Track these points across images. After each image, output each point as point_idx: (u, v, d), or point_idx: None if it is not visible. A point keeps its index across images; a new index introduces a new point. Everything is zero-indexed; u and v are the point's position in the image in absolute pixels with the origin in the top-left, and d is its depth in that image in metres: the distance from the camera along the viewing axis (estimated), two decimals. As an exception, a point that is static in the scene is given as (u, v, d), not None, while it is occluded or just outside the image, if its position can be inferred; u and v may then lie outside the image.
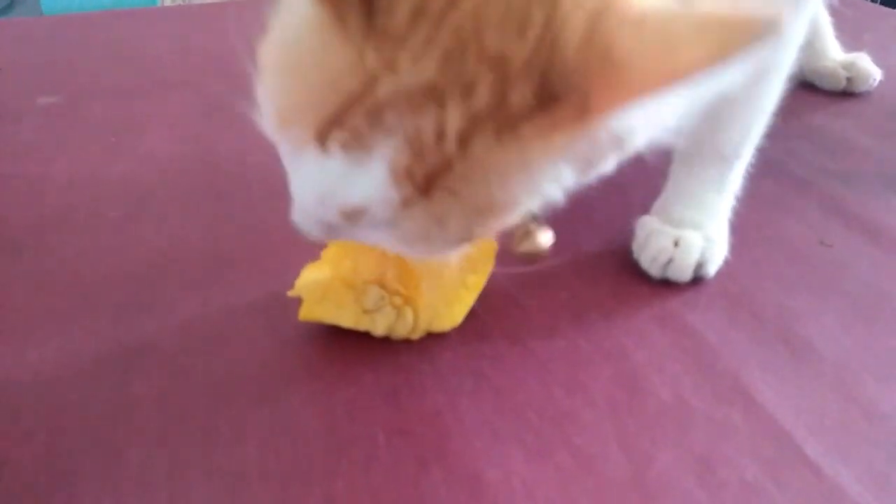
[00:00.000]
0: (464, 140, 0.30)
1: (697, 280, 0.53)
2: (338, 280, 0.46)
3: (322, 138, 0.31)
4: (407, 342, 0.47)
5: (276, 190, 0.39)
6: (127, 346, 0.47)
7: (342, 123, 0.31)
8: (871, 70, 0.84)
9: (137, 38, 1.04)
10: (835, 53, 0.85)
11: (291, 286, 0.47)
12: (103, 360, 0.45)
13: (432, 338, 0.47)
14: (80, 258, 0.55)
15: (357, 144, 0.31)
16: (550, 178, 0.33)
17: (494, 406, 0.42)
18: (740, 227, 0.55)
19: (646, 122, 0.32)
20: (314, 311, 0.46)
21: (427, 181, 0.32)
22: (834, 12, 0.85)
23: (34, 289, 0.52)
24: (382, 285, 0.46)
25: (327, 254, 0.47)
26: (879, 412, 0.42)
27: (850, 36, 0.87)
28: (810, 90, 0.85)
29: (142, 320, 0.49)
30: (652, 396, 0.43)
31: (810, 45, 0.85)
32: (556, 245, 0.56)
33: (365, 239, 0.37)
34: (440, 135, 0.30)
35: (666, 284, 0.53)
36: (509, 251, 0.46)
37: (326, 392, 0.43)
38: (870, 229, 0.60)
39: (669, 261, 0.52)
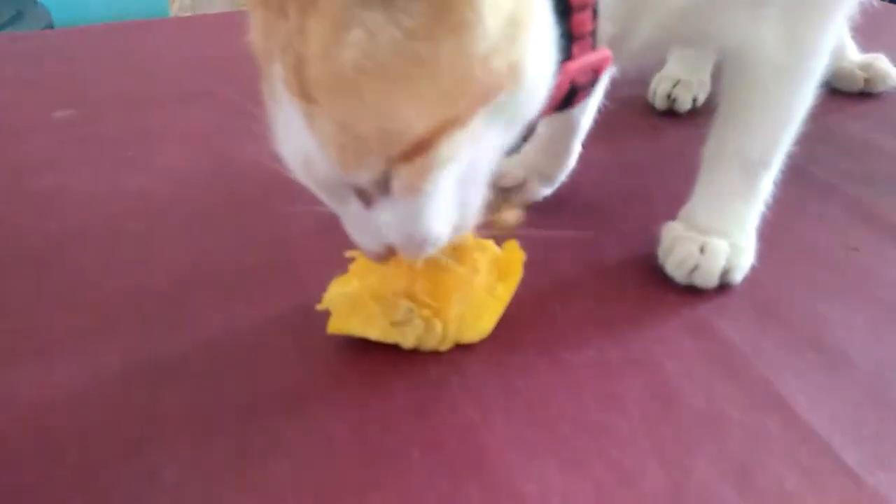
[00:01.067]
0: (300, 30, 0.33)
1: (724, 287, 0.52)
2: (366, 293, 0.46)
3: (269, 87, 0.36)
4: (436, 354, 0.46)
5: (295, 201, 0.39)
6: (155, 362, 0.46)
7: (266, 78, 0.36)
8: (888, 70, 0.83)
9: (150, 48, 1.04)
10: (852, 55, 0.85)
11: (316, 298, 0.46)
12: (131, 377, 0.45)
13: (462, 349, 0.47)
14: (103, 273, 0.55)
15: (271, 91, 0.36)
16: (370, 31, 0.33)
17: (527, 419, 0.42)
18: (766, 233, 0.54)
19: None
20: (343, 324, 0.46)
21: (301, 83, 0.34)
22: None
23: (59, 306, 0.52)
24: (411, 297, 0.46)
25: (355, 267, 0.47)
26: (918, 419, 0.42)
27: (867, 36, 0.87)
28: (829, 92, 0.85)
29: (168, 336, 0.48)
30: (685, 406, 0.43)
31: None
32: (579, 251, 0.57)
33: (387, 226, 0.39)
34: (289, 34, 0.34)
35: (693, 292, 0.52)
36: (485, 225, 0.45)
37: (358, 406, 0.43)
38: (895, 232, 0.59)
39: (695, 267, 0.52)
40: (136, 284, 0.54)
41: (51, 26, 1.26)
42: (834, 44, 0.51)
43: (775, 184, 0.54)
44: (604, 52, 0.43)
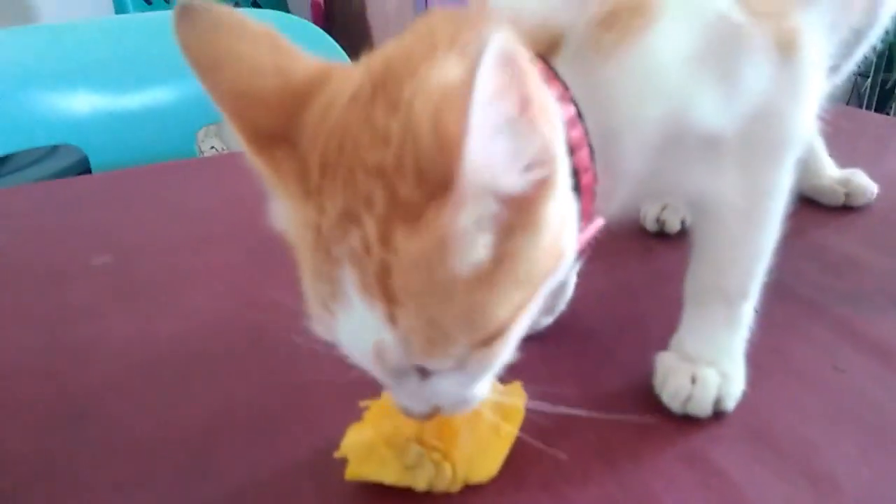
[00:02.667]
0: (386, 241, 0.36)
1: (718, 414, 0.56)
2: (380, 439, 0.49)
3: (323, 304, 0.39)
4: (447, 496, 0.50)
5: (318, 346, 0.43)
6: (187, 512, 0.50)
7: (319, 276, 0.39)
8: (867, 185, 0.88)
9: (181, 190, 1.12)
10: (830, 171, 0.90)
11: (334, 442, 0.50)
12: (167, 528, 0.49)
13: (472, 489, 0.50)
14: (139, 423, 0.59)
15: (334, 289, 0.38)
16: (472, 245, 0.37)
17: (535, 558, 0.45)
18: (755, 355, 0.58)
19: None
20: (360, 470, 0.50)
21: (384, 287, 0.37)
22: (831, 124, 0.91)
23: (99, 458, 0.56)
24: (421, 441, 0.49)
25: (369, 415, 0.51)
26: (903, 548, 0.44)
27: (846, 144, 0.93)
28: (812, 206, 0.90)
29: (199, 487, 0.52)
30: (683, 540, 0.46)
31: (806, 165, 0.90)
32: (581, 385, 0.60)
33: (442, 393, 0.43)
34: (367, 244, 0.36)
35: (688, 420, 0.56)
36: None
37: (376, 552, 0.46)
38: (881, 352, 0.62)
39: (689, 397, 0.55)
40: (169, 433, 0.58)
41: (85, 162, 1.36)
42: (791, 181, 0.55)
43: (763, 303, 0.58)
44: (600, 220, 0.49)
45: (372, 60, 0.42)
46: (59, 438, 0.58)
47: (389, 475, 0.49)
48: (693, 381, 0.55)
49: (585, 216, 0.47)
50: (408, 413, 0.45)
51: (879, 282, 0.74)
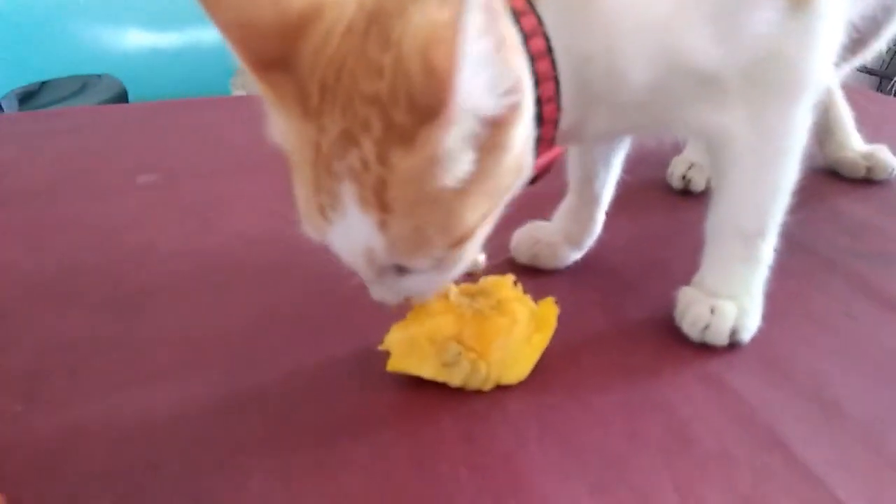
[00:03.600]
0: (383, 159, 0.41)
1: (733, 345, 0.59)
2: (422, 336, 0.53)
3: (323, 213, 0.44)
4: (479, 393, 0.53)
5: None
6: (239, 393, 0.54)
7: (319, 191, 0.44)
8: (890, 161, 0.91)
9: (217, 124, 1.15)
10: (856, 144, 0.93)
11: (372, 342, 0.54)
12: (220, 403, 0.53)
13: (502, 389, 0.54)
14: (190, 318, 0.63)
15: (333, 201, 0.43)
16: (460, 165, 0.42)
17: (560, 449, 0.49)
18: (773, 299, 0.61)
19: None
20: (401, 363, 0.53)
21: (379, 199, 0.42)
22: (856, 106, 0.94)
23: (155, 343, 0.60)
24: (460, 342, 0.53)
25: (412, 314, 0.55)
26: (902, 461, 0.48)
27: (872, 128, 0.95)
28: (836, 177, 0.93)
29: (249, 373, 0.56)
30: (698, 444, 0.49)
31: (832, 137, 0.93)
32: (606, 313, 0.64)
33: (413, 287, 0.49)
34: (365, 162, 0.42)
35: (706, 349, 0.59)
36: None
37: (413, 433, 0.50)
38: (892, 304, 0.66)
39: (707, 326, 0.58)
40: (218, 327, 0.62)
41: (123, 95, 1.38)
42: (809, 123, 0.56)
43: (782, 257, 0.61)
44: (557, 148, 0.54)
45: None
46: (116, 327, 0.62)
47: (428, 370, 0.53)
48: (712, 311, 0.59)
49: (545, 143, 0.51)
50: (382, 303, 0.51)
51: (894, 244, 0.76)
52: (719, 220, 0.60)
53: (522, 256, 0.70)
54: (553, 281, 0.65)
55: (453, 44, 0.37)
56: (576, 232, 0.70)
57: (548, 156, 0.54)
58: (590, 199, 0.69)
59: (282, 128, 0.45)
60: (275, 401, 0.53)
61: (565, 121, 0.51)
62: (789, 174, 0.57)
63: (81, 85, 1.75)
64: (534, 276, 0.68)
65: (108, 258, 0.73)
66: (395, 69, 0.40)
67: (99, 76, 1.59)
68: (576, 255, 0.71)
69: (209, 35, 1.54)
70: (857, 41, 0.82)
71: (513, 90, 0.42)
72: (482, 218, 0.46)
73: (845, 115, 0.93)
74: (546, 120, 0.50)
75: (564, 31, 0.48)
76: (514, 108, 0.43)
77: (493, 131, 0.43)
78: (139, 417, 0.52)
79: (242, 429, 0.51)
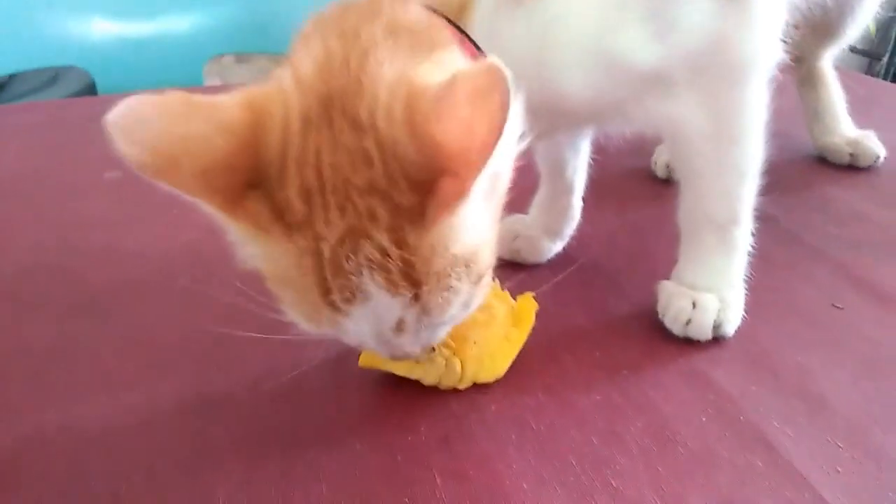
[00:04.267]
0: (400, 244, 0.39)
1: (718, 339, 0.58)
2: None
3: (335, 309, 0.41)
4: (456, 394, 0.52)
5: None
6: (206, 398, 0.52)
7: (330, 290, 0.41)
8: (875, 148, 0.89)
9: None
10: (845, 129, 0.91)
11: (345, 346, 0.52)
12: (186, 412, 0.51)
13: (478, 389, 0.52)
14: (158, 321, 0.61)
15: (351, 293, 0.41)
16: (476, 218, 0.41)
17: (538, 452, 0.47)
18: (757, 291, 0.60)
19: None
20: (373, 359, 0.51)
21: (408, 279, 0.40)
22: (847, 90, 0.92)
23: (121, 348, 0.58)
24: (435, 340, 0.51)
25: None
26: (887, 458, 0.47)
27: (860, 111, 0.94)
28: (825, 163, 0.91)
29: (216, 378, 0.54)
30: (680, 444, 0.48)
31: (820, 120, 0.92)
32: (587, 308, 0.62)
33: (440, 331, 0.46)
34: (384, 252, 0.39)
35: (690, 343, 0.58)
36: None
37: (386, 438, 0.48)
38: (877, 293, 0.64)
39: (689, 321, 0.57)
40: (186, 330, 0.60)
41: (91, 87, 1.35)
42: (764, 101, 0.55)
43: (767, 246, 0.60)
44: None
45: (298, 75, 0.42)
46: (80, 329, 0.60)
47: (400, 367, 0.51)
48: (694, 305, 0.57)
49: None
50: (405, 357, 0.47)
51: (882, 233, 0.75)
52: (689, 212, 0.59)
53: (503, 252, 0.68)
54: (533, 276, 0.63)
55: (490, 125, 0.35)
56: (554, 222, 0.69)
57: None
58: (564, 188, 0.68)
59: (260, 253, 0.43)
60: (243, 406, 0.51)
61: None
62: (751, 156, 0.56)
63: (52, 76, 1.71)
64: (514, 271, 0.66)
65: (72, 258, 0.71)
66: (381, 152, 0.39)
67: (70, 68, 1.55)
68: (557, 247, 0.69)
69: (179, 23, 1.50)
70: (828, 22, 0.81)
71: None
72: (491, 244, 0.45)
73: (836, 99, 0.91)
74: None
75: (496, 52, 0.45)
76: None
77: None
78: (102, 426, 0.50)
79: (209, 437, 0.49)
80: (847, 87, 0.92)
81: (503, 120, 0.35)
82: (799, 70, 0.91)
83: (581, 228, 0.70)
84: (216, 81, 2.14)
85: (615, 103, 0.53)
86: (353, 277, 0.40)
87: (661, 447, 0.48)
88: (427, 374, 0.51)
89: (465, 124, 0.36)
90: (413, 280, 0.40)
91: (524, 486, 0.45)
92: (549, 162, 0.67)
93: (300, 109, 0.41)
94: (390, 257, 0.39)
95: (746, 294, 0.59)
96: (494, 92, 0.35)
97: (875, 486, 0.45)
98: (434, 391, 0.51)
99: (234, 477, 0.45)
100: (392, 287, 0.40)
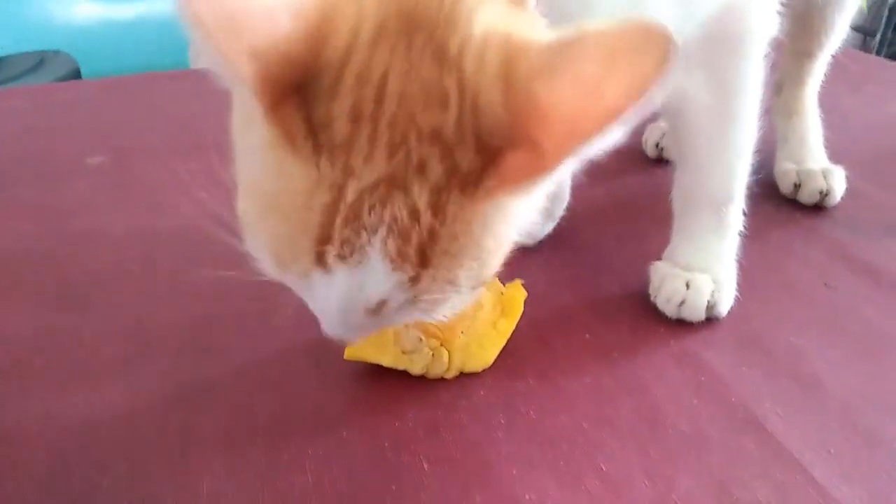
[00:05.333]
0: (437, 210, 0.34)
1: (711, 320, 0.57)
2: (381, 323, 0.50)
3: (321, 261, 0.35)
4: (444, 382, 0.51)
5: None
6: (190, 387, 0.51)
7: (330, 239, 0.34)
8: (821, 185, 0.74)
9: (174, 99, 1.11)
10: (808, 162, 0.77)
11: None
12: (170, 399, 0.50)
13: (468, 377, 0.51)
14: (142, 307, 0.60)
15: (350, 251, 0.34)
16: (525, 213, 0.37)
17: (528, 437, 0.47)
18: (750, 271, 0.59)
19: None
20: (359, 351, 0.51)
21: (421, 255, 0.34)
22: (837, 65, 0.90)
23: (103, 336, 0.57)
24: (421, 328, 0.50)
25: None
26: (879, 439, 0.46)
27: (850, 87, 0.93)
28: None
29: (202, 364, 0.53)
30: (671, 427, 0.47)
31: (787, 146, 0.79)
32: (577, 290, 0.62)
33: (396, 322, 0.41)
34: (415, 213, 0.34)
35: (682, 325, 0.57)
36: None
37: (373, 425, 0.48)
38: (872, 273, 0.64)
39: (682, 302, 0.56)
40: (171, 317, 0.59)
41: (76, 72, 1.33)
42: (761, 76, 0.54)
43: (761, 226, 0.59)
44: None
45: None
46: (64, 315, 0.59)
47: (387, 358, 0.50)
48: (687, 286, 0.57)
49: None
50: (339, 339, 0.42)
51: (876, 212, 0.74)
52: (686, 191, 0.59)
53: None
54: (523, 260, 0.62)
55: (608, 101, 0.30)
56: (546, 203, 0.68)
57: None
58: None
59: (269, 168, 0.35)
60: (228, 394, 0.50)
61: None
62: (748, 132, 0.56)
63: (38, 61, 1.68)
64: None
65: (53, 245, 0.69)
66: (460, 97, 0.33)
67: (55, 52, 1.52)
68: (547, 228, 0.68)
69: (164, 5, 1.47)
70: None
71: None
72: (506, 252, 0.40)
73: (811, 130, 0.80)
74: None
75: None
76: None
77: None
78: (84, 417, 0.49)
79: (193, 426, 0.48)
80: (841, 64, 0.91)
81: (652, 83, 0.29)
82: (777, 99, 0.81)
83: (571, 208, 0.69)
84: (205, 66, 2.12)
85: None
86: (365, 234, 0.34)
87: (652, 430, 0.47)
88: (413, 365, 0.50)
89: (589, 85, 0.30)
90: (425, 258, 0.35)
91: (514, 471, 0.44)
92: None
93: (377, 18, 0.34)
94: (419, 223, 0.34)
95: (739, 275, 0.59)
96: (652, 49, 0.29)
97: (867, 466, 0.44)
98: (422, 380, 0.51)
99: (219, 465, 0.44)
100: (399, 258, 0.34)
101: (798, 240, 0.69)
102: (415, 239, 0.34)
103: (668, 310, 0.57)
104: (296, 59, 0.32)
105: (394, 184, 0.33)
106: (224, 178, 0.64)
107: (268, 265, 0.38)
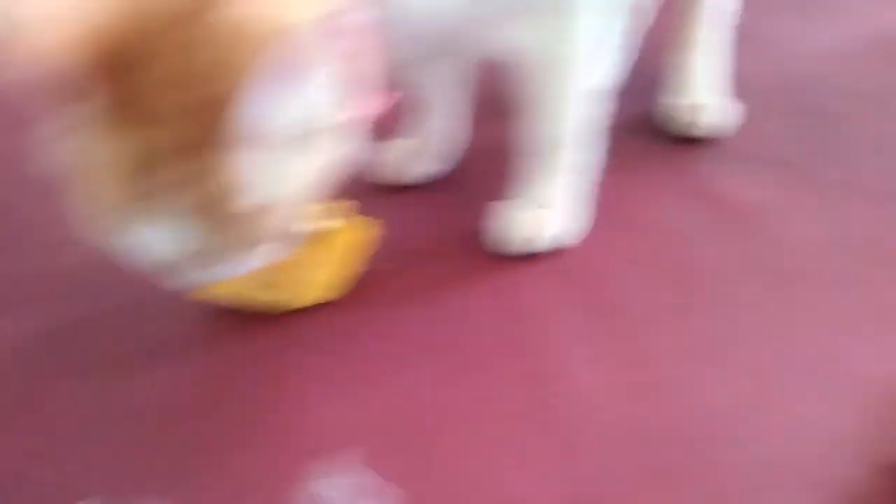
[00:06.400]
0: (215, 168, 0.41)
1: (541, 254, 0.63)
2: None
3: (123, 215, 0.43)
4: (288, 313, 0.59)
5: None
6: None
7: (132, 197, 0.42)
8: (713, 120, 0.75)
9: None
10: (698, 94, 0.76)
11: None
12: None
13: (316, 308, 0.59)
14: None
15: (150, 207, 0.43)
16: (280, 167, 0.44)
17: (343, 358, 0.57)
18: (601, 206, 0.65)
19: None
20: (206, 291, 0.56)
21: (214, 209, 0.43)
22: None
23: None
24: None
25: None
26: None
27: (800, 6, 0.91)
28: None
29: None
30: (460, 350, 0.57)
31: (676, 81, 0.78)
32: (433, 229, 0.67)
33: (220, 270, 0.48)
34: (200, 172, 0.41)
35: (506, 259, 0.63)
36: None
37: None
38: (720, 206, 0.68)
39: (525, 238, 0.63)
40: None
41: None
42: (596, 37, 0.59)
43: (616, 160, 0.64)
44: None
45: None
46: None
47: (226, 293, 0.57)
48: (527, 221, 0.63)
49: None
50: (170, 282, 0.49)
51: (755, 144, 0.74)
52: (525, 134, 0.63)
53: (388, 174, 0.71)
54: (391, 200, 0.69)
55: None
56: (425, 144, 0.72)
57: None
58: (450, 116, 0.72)
59: (87, 142, 0.41)
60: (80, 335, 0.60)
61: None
62: (579, 82, 0.60)
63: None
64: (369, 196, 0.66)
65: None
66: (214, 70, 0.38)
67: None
68: (425, 167, 0.72)
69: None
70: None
71: None
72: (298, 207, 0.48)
73: (702, 63, 0.77)
74: None
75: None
76: None
77: None
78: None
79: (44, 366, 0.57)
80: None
81: None
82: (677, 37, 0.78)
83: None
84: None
85: (478, 28, 0.56)
86: (161, 193, 0.41)
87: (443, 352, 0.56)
88: (255, 300, 0.57)
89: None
90: (219, 211, 0.42)
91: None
92: (423, 87, 0.70)
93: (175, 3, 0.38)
94: (205, 177, 0.41)
95: (588, 210, 0.64)
96: None
97: (628, 372, 0.54)
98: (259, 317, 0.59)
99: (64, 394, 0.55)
100: (197, 210, 0.42)
101: (659, 174, 0.71)
102: (204, 193, 0.41)
103: (511, 247, 0.63)
104: (124, 32, 0.37)
105: (185, 146, 0.40)
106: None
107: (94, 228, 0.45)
